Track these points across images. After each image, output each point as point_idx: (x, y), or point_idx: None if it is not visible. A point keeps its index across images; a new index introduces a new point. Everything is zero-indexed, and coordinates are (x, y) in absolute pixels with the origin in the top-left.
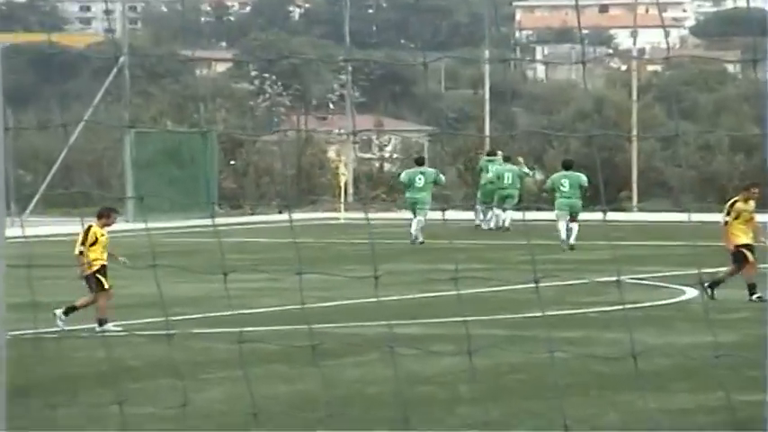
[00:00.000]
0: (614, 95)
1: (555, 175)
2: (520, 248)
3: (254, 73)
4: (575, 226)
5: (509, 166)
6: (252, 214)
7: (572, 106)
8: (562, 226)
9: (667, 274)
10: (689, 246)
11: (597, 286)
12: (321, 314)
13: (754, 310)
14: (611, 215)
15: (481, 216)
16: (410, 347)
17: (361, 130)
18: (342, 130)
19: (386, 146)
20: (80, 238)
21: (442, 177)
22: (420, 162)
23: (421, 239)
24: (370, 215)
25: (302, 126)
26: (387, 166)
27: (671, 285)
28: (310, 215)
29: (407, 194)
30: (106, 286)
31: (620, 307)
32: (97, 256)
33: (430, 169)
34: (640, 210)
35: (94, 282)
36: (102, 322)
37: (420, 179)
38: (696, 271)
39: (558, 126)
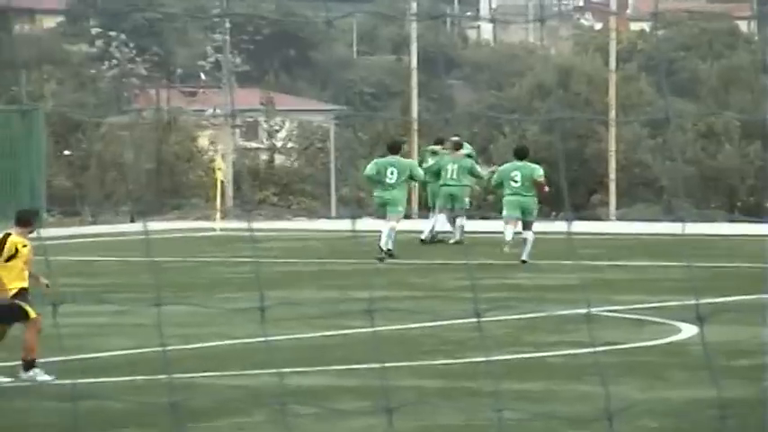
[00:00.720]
0: (585, 64)
1: (504, 167)
2: (458, 270)
3: (95, 31)
4: (529, 236)
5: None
6: (93, 223)
7: (529, 79)
8: (509, 231)
9: (656, 305)
10: (684, 267)
11: (562, 321)
12: (188, 359)
13: None
14: (580, 226)
15: (447, 226)
16: (309, 404)
17: (244, 111)
18: (217, 110)
19: (278, 131)
20: None
21: (420, 172)
22: (395, 148)
23: (388, 250)
24: (257, 225)
25: (163, 104)
26: (279, 159)
27: (660, 320)
28: (175, 224)
29: (375, 193)
30: (32, 315)
31: (592, 350)
32: (16, 277)
33: (405, 160)
34: (620, 218)
35: (17, 311)
36: (29, 365)
37: (392, 173)
38: (694, 301)
39: (511, 105)
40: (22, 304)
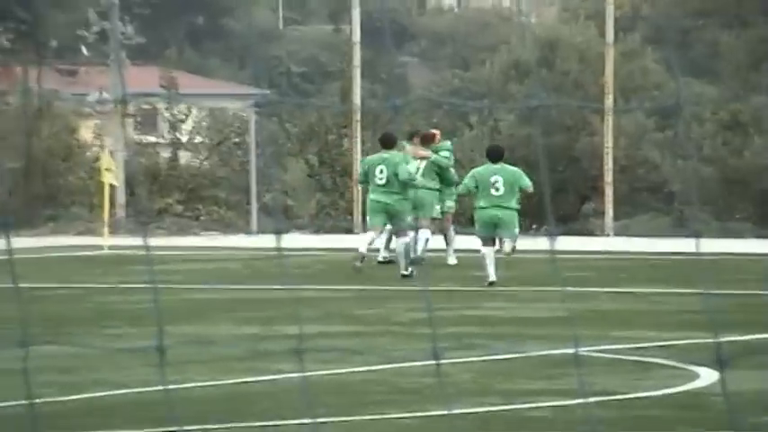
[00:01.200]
0: (575, 35)
1: (478, 171)
2: (409, 297)
3: None
4: (507, 246)
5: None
6: None
7: (503, 54)
8: (489, 254)
9: (664, 343)
10: (702, 295)
11: (544, 364)
12: (66, 415)
13: None
14: (569, 242)
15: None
16: None
17: (138, 95)
18: (104, 95)
19: (182, 122)
20: None
21: (418, 177)
22: (388, 142)
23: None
24: (155, 241)
25: (33, 85)
26: (184, 158)
27: (670, 363)
28: (49, 240)
29: (370, 197)
30: None
31: (583, 400)
32: None
33: (400, 154)
34: (619, 233)
35: None
36: None
37: (382, 171)
38: (714, 339)
39: (480, 89)
40: None
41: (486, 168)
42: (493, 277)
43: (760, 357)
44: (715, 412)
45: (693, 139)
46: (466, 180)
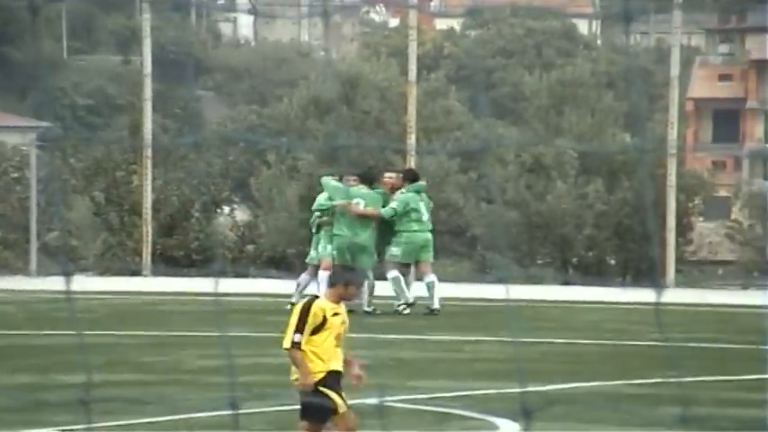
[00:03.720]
0: (377, 72)
1: (405, 197)
2: (199, 344)
3: None
4: (434, 277)
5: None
6: None
7: (302, 90)
8: (407, 283)
9: (465, 393)
10: (504, 343)
11: None
12: None
13: None
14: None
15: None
16: None
17: None
18: None
19: None
20: None
21: (392, 208)
22: (366, 176)
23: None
24: None
25: None
26: None
27: (470, 414)
28: None
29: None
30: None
31: None
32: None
33: (369, 191)
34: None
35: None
36: None
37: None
38: (518, 389)
39: (278, 126)
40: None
41: (409, 194)
42: (408, 295)
43: (560, 408)
44: None
45: (497, 182)
46: (394, 207)
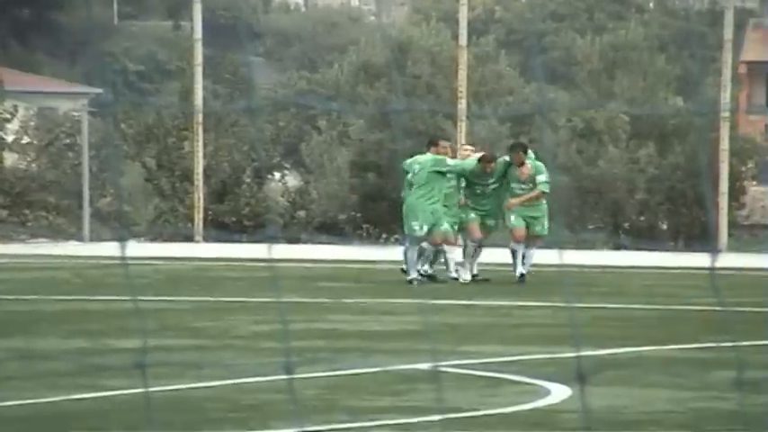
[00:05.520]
0: (427, 38)
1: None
2: (251, 309)
3: None
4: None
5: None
6: None
7: (352, 56)
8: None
9: (516, 358)
10: (556, 308)
11: (393, 380)
12: None
13: None
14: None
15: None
16: None
17: None
18: None
19: (8, 121)
20: None
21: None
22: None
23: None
24: None
25: None
26: (10, 159)
27: (522, 379)
28: None
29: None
30: None
31: (434, 417)
32: None
33: (440, 157)
34: None
35: None
36: None
37: (417, 169)
38: (570, 354)
39: (328, 91)
40: None
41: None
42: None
43: (612, 372)
44: (568, 429)
45: (548, 147)
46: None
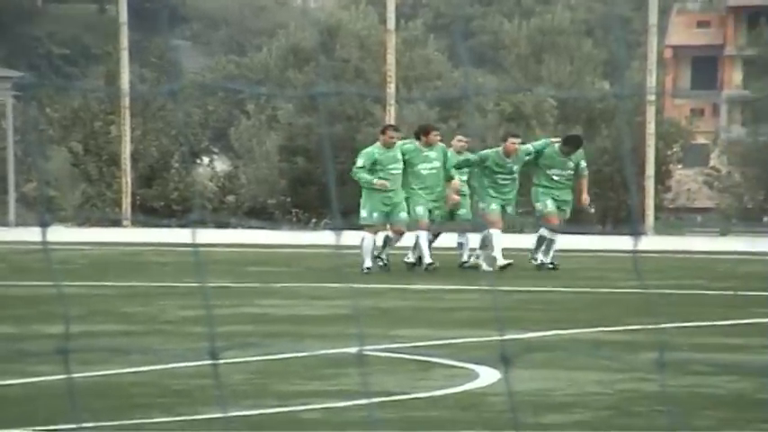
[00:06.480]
0: (356, 21)
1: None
2: (179, 294)
3: None
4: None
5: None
6: None
7: (281, 40)
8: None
9: (445, 341)
10: (484, 292)
11: (322, 364)
12: None
13: None
14: (353, 236)
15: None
16: None
17: None
18: None
19: None
20: None
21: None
22: (419, 131)
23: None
24: None
25: None
26: None
27: (451, 363)
28: None
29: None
30: None
31: (363, 401)
32: None
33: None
34: None
35: None
36: None
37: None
38: (497, 337)
39: (257, 76)
40: None
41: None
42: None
43: (540, 355)
44: (496, 412)
45: (477, 131)
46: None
